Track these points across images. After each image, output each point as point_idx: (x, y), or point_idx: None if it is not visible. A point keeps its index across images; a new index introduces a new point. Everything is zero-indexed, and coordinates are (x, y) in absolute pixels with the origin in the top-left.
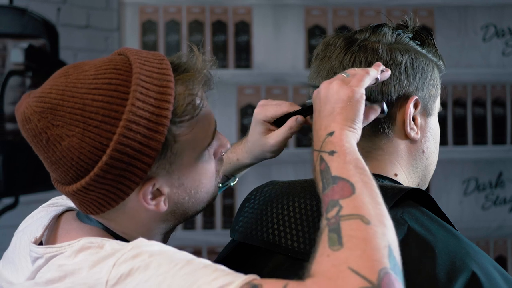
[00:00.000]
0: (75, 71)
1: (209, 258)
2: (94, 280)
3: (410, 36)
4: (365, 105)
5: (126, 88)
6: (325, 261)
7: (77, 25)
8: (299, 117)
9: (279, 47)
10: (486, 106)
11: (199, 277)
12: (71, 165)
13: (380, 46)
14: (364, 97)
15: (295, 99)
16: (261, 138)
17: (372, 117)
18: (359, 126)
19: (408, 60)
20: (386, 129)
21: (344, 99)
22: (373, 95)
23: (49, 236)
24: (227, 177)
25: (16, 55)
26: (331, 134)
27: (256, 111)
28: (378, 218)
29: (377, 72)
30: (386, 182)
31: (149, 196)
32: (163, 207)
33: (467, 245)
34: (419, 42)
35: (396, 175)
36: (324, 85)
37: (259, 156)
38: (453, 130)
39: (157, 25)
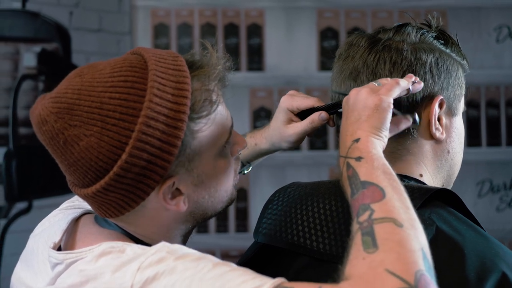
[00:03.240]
0: (90, 70)
1: None
2: (118, 284)
3: (434, 36)
4: (397, 115)
5: (143, 85)
6: (361, 263)
7: (89, 29)
8: (323, 113)
9: (291, 49)
10: (500, 107)
11: (227, 280)
12: (90, 166)
13: (405, 45)
14: (392, 106)
15: None
16: (282, 126)
17: (403, 126)
18: (385, 134)
19: (433, 60)
20: (411, 130)
21: (371, 106)
22: (405, 104)
23: (68, 241)
24: (243, 163)
25: (29, 59)
26: (357, 140)
27: (283, 98)
28: (410, 222)
29: (408, 83)
30: (412, 183)
31: (169, 196)
32: (183, 206)
33: (496, 245)
34: (442, 42)
35: (421, 175)
36: (353, 92)
37: (276, 144)
38: (467, 132)
39: (169, 28)
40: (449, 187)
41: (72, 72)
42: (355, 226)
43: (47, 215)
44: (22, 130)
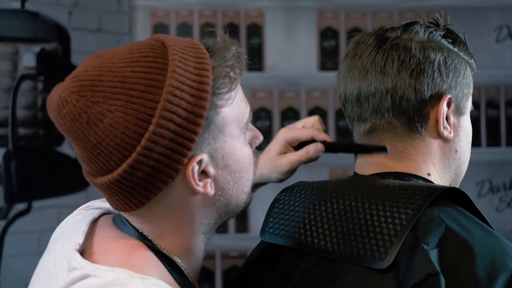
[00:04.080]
0: (107, 52)
1: (222, 263)
2: None
3: (442, 34)
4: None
5: (164, 60)
6: None
7: (88, 29)
8: (319, 145)
9: (291, 49)
10: (500, 108)
11: None
12: (115, 145)
13: (413, 44)
14: None
15: (307, 102)
16: (274, 157)
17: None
18: None
19: (441, 58)
20: (420, 128)
21: None
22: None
23: (86, 243)
24: None
25: (28, 59)
26: None
27: (281, 132)
28: None
29: None
30: (420, 182)
31: (197, 176)
32: (210, 190)
33: (506, 244)
34: (450, 40)
35: (429, 174)
36: None
37: (264, 176)
38: None
39: (168, 28)
40: (457, 186)
41: (90, 56)
42: None
43: (46, 216)
44: (22, 131)
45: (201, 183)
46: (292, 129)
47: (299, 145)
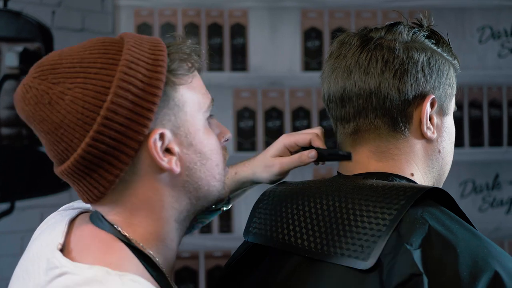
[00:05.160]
0: (69, 47)
1: (206, 263)
2: None
3: (425, 35)
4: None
5: (120, 44)
6: None
7: (72, 28)
8: (313, 152)
9: (275, 49)
10: (483, 108)
11: None
12: (77, 120)
13: (397, 44)
14: None
15: (291, 102)
16: (268, 158)
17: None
18: None
19: (425, 59)
20: (403, 129)
21: None
22: (397, 103)
23: (64, 243)
24: (221, 199)
25: (10, 59)
26: None
27: (282, 137)
28: None
29: None
30: (403, 182)
31: (160, 151)
32: (176, 167)
33: (489, 244)
34: (434, 41)
35: (412, 174)
36: None
37: (257, 174)
38: None
39: (152, 28)
40: (440, 186)
41: None
42: None
43: (29, 216)
44: (5, 131)
45: (165, 159)
46: (292, 134)
47: (298, 151)
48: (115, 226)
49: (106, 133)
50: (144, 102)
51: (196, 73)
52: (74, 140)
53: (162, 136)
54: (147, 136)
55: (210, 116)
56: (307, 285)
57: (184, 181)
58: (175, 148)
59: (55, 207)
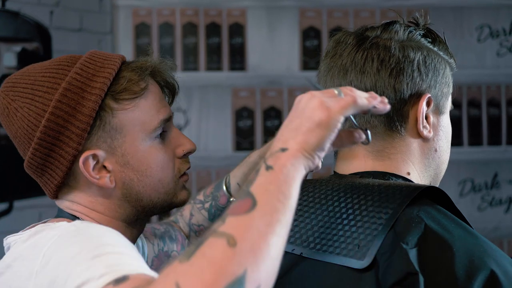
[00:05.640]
0: (43, 62)
1: None
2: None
3: (421, 34)
4: (350, 128)
5: (70, 68)
6: (166, 269)
7: (70, 28)
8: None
9: (273, 49)
10: (481, 107)
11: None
12: (24, 135)
13: (393, 43)
14: (339, 126)
15: (290, 101)
16: None
17: (351, 143)
18: (318, 154)
19: (420, 58)
20: (399, 128)
21: (315, 120)
22: (392, 102)
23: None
24: (183, 204)
25: (9, 59)
26: (283, 150)
27: None
28: (254, 247)
29: (368, 104)
30: (400, 181)
31: (91, 167)
32: (108, 183)
33: (485, 243)
34: (430, 40)
35: (408, 173)
36: (306, 96)
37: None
38: None
39: (150, 27)
40: (436, 185)
41: None
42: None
43: (28, 216)
44: (2, 130)
45: (97, 175)
46: None
47: None
48: (75, 216)
49: (41, 150)
50: (73, 128)
51: (149, 92)
52: (25, 149)
53: (94, 156)
54: (79, 155)
55: (164, 132)
56: (303, 284)
57: (123, 193)
58: (109, 166)
59: (53, 207)
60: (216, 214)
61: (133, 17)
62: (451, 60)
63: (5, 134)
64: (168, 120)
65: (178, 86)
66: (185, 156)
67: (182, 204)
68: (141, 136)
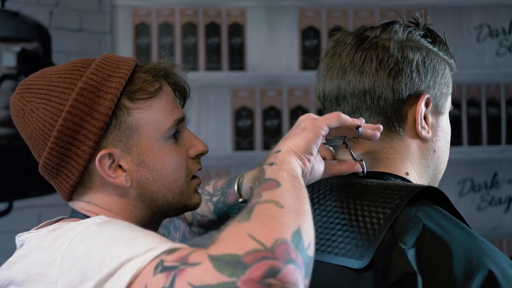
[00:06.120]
0: (58, 65)
1: None
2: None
3: (421, 34)
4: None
5: (85, 69)
6: (228, 229)
7: (69, 28)
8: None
9: (273, 49)
10: (481, 107)
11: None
12: (39, 135)
13: (392, 43)
14: (323, 132)
15: (289, 101)
16: None
17: (346, 171)
18: (307, 157)
19: (419, 58)
20: (397, 128)
21: (301, 126)
22: (391, 102)
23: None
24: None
25: (8, 59)
26: (277, 151)
27: None
28: (296, 209)
29: (351, 121)
30: (398, 181)
31: (107, 166)
32: (124, 182)
33: (483, 243)
34: (430, 40)
35: (407, 174)
36: (301, 117)
37: None
38: None
39: (150, 27)
40: (435, 186)
41: None
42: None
43: (27, 216)
44: (2, 131)
45: (113, 174)
46: None
47: None
48: (90, 217)
49: (57, 150)
50: (90, 127)
51: (163, 92)
52: (40, 149)
53: (110, 155)
54: (95, 154)
55: (178, 132)
56: None
57: (138, 193)
58: (125, 165)
59: (52, 207)
60: (222, 210)
61: (133, 17)
62: (451, 61)
63: (4, 134)
64: (181, 120)
65: (189, 90)
66: (198, 157)
67: (195, 207)
68: (156, 136)
